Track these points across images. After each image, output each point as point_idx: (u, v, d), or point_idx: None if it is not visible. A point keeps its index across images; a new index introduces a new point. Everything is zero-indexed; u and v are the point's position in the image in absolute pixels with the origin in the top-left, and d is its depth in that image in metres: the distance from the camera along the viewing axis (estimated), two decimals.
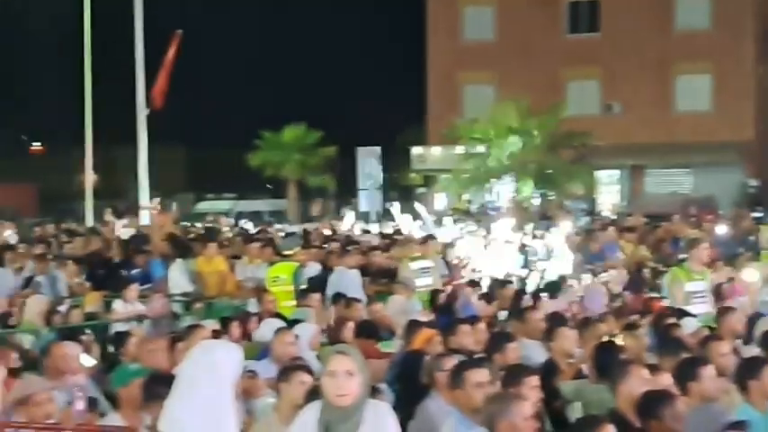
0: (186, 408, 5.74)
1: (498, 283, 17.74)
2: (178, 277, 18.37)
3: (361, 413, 6.04)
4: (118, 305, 15.52)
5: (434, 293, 16.43)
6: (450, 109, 48.25)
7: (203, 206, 52.41)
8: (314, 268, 18.24)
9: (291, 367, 8.64)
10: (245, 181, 56.36)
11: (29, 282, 18.41)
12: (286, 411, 7.94)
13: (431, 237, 21.20)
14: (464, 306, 15.04)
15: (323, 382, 6.07)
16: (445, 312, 14.75)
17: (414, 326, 11.28)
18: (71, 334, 12.40)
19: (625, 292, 16.99)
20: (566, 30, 50.43)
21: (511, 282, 18.33)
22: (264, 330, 12.01)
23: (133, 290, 15.69)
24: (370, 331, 12.60)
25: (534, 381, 8.08)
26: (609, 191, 49.24)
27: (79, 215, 35.52)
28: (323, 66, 68.50)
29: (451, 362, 8.53)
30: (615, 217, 34.31)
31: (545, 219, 32.08)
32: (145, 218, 25.05)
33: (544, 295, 16.45)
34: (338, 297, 15.12)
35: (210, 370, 5.80)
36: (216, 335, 11.51)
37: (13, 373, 9.57)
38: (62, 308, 15.04)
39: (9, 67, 65.50)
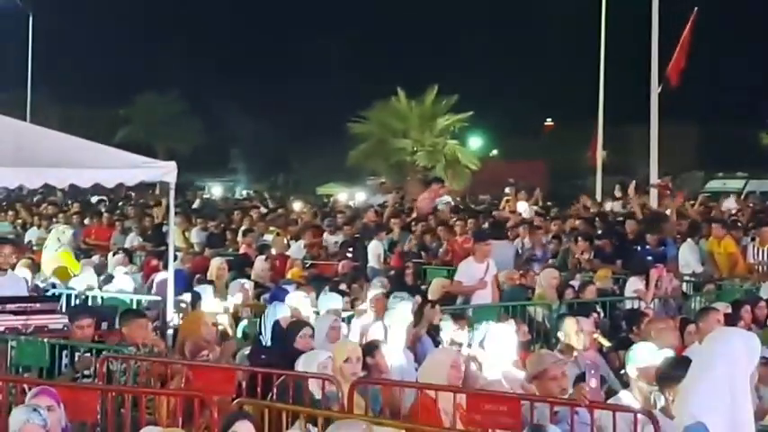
0: (701, 393, 5.74)
1: None
2: (689, 257, 18.24)
3: None
4: (630, 283, 15.62)
5: None
6: None
7: (713, 185, 51.22)
8: None
9: None
10: (759, 159, 54.46)
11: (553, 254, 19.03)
12: None
13: None
14: None
15: None
16: None
17: None
18: (582, 309, 12.65)
19: None
20: None
21: None
22: None
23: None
24: None
25: None
26: None
27: (588, 191, 35.92)
28: None
29: None
30: None
31: None
32: (653, 196, 25.01)
33: None
34: None
35: (728, 358, 5.75)
36: (727, 318, 11.37)
37: (524, 345, 9.99)
38: (575, 282, 15.36)
39: (527, 44, 67.43)
